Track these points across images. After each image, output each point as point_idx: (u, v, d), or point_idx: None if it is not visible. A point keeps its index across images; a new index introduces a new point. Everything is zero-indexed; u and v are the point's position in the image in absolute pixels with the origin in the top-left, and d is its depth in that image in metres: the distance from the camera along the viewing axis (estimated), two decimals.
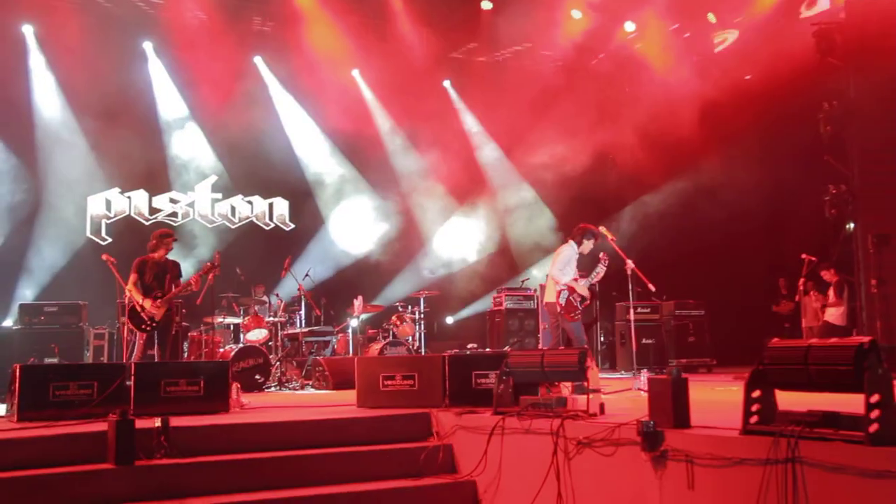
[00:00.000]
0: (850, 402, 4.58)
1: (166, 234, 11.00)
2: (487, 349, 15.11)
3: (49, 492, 6.04)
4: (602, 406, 6.75)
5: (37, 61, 16.01)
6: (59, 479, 6.11)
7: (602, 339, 16.78)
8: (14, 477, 6.04)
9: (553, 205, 18.93)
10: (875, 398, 4.39)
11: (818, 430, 4.63)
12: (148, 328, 10.41)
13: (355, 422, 7.74)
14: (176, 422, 6.74)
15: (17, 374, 7.60)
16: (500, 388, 7.24)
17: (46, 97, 16.00)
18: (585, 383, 7.02)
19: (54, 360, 12.52)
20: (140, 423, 6.46)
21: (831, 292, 14.03)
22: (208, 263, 11.21)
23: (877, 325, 12.97)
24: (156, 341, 10.50)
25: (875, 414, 4.37)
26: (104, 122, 15.61)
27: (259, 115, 17.36)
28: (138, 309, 10.40)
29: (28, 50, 15.98)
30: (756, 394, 5.08)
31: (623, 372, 15.07)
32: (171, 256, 10.96)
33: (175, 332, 11.36)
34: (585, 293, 10.62)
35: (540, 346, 15.26)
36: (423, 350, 14.64)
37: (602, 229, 11.05)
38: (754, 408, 5.07)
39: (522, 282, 17.22)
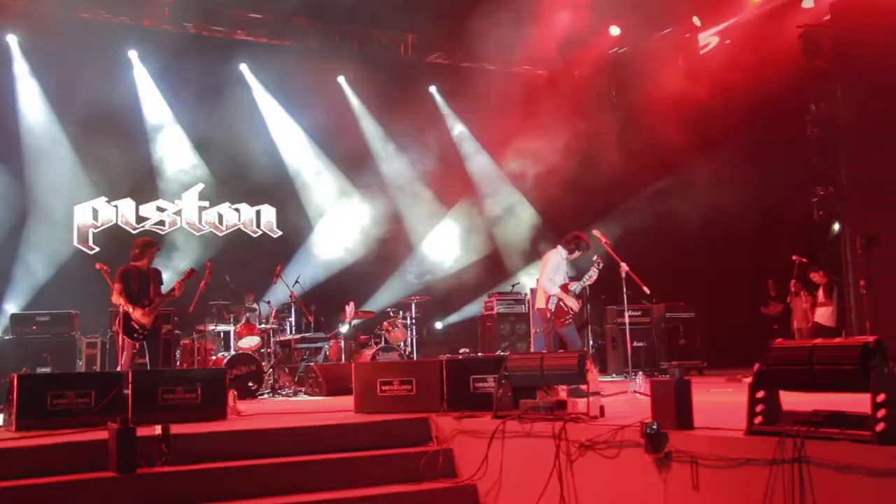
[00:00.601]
0: (855, 402, 4.60)
1: (150, 242, 10.97)
2: (480, 353, 15.10)
3: (52, 501, 6.01)
4: (602, 408, 6.78)
5: (21, 70, 15.88)
6: (61, 488, 6.08)
7: (592, 342, 16.78)
8: (16, 486, 5.99)
9: (540, 208, 18.98)
10: (881, 397, 4.42)
11: (824, 429, 4.65)
12: (140, 337, 10.37)
13: (354, 427, 7.75)
14: (175, 429, 6.71)
15: (15, 383, 7.58)
16: (499, 391, 7.25)
17: (32, 106, 15.89)
18: (585, 386, 7.03)
19: (47, 370, 12.48)
20: (139, 431, 6.42)
21: (820, 293, 14.12)
22: (189, 269, 11.19)
23: (865, 325, 13.05)
24: (146, 350, 10.47)
25: (882, 413, 4.40)
26: (90, 131, 15.50)
27: (245, 122, 17.30)
28: (131, 318, 10.35)
29: (13, 59, 15.86)
30: (760, 394, 5.10)
31: (614, 375, 15.11)
32: (158, 265, 10.93)
33: (165, 339, 11.32)
34: (574, 305, 10.51)
35: (531, 350, 15.28)
36: (415, 355, 14.62)
37: (596, 232, 10.98)
38: (759, 408, 5.09)
39: (513, 286, 17.23)
